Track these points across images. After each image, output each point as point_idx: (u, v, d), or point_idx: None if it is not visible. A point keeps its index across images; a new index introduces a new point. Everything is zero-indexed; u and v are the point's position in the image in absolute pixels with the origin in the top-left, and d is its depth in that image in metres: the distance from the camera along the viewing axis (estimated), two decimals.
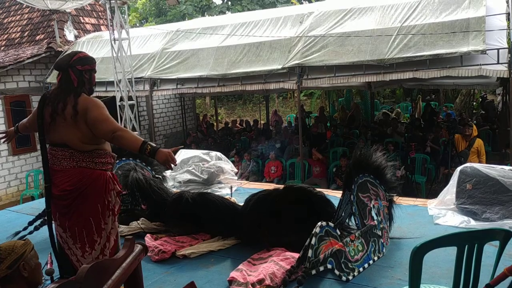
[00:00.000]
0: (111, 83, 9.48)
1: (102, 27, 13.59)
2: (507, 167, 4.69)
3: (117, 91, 9.24)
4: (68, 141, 2.89)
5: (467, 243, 1.90)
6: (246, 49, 8.47)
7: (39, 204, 5.65)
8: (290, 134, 11.47)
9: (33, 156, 10.78)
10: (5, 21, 13.95)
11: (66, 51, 11.01)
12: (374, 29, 7.22)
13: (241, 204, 4.42)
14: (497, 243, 1.97)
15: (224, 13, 24.24)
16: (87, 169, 2.89)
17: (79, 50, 10.92)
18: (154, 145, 2.91)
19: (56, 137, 2.93)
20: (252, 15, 9.38)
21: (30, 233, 4.40)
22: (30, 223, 4.54)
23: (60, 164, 2.90)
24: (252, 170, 9.82)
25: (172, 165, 2.92)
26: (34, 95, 10.76)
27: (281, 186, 4.50)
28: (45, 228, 4.60)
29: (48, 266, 3.09)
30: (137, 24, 24.81)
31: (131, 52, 9.32)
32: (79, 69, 2.94)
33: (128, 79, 9.21)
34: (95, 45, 10.88)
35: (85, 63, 2.98)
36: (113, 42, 9.05)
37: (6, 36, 13.43)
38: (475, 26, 6.43)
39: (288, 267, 3.29)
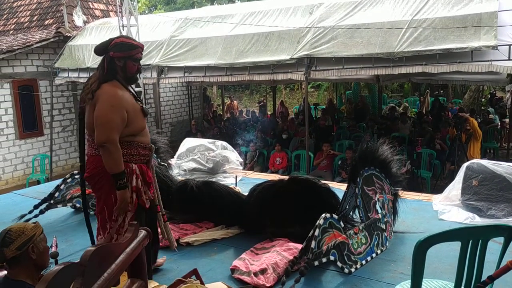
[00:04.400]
0: None
1: (111, 13, 13.56)
2: None
3: None
4: (89, 128, 2.89)
5: (471, 239, 1.89)
6: (254, 38, 8.42)
7: (45, 188, 5.70)
8: (296, 126, 11.45)
9: (40, 141, 10.84)
10: (15, 5, 13.95)
11: (74, 37, 11.03)
12: (384, 22, 7.14)
13: (246, 194, 4.43)
14: (501, 239, 1.96)
15: (233, 2, 24.15)
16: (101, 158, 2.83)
17: (84, 35, 10.92)
18: (125, 184, 2.79)
19: (85, 121, 2.95)
20: (261, 5, 9.30)
21: (36, 216, 4.44)
22: (36, 207, 4.58)
23: (87, 149, 2.97)
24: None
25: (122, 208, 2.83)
26: (42, 79, 10.79)
27: (286, 177, 4.50)
28: (50, 212, 4.67)
29: (53, 249, 3.12)
30: (146, 11, 24.74)
31: (139, 39, 9.30)
32: (110, 56, 2.85)
33: None
34: (104, 31, 10.86)
35: (118, 50, 2.85)
36: (121, 28, 9.04)
37: (15, 20, 13.44)
38: (487, 21, 6.34)
39: (291, 257, 3.30)
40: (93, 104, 2.78)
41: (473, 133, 8.73)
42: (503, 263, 1.84)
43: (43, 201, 4.66)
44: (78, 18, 11.97)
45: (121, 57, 2.85)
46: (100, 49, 2.89)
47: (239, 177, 5.97)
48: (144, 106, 3.00)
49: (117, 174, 2.75)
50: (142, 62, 9.83)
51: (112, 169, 2.75)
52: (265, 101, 18.48)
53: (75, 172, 5.11)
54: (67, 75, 10.56)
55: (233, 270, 3.33)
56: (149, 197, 3.04)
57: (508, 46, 6.11)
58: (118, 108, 2.76)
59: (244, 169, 7.44)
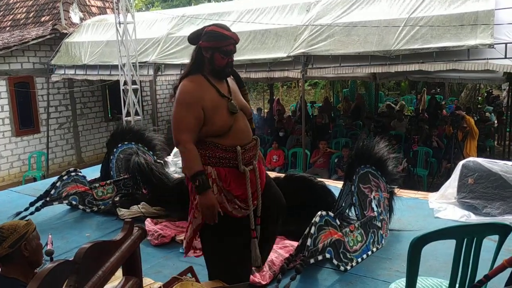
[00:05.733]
0: (115, 67, 9.45)
1: (107, 10, 13.53)
2: (510, 163, 4.68)
3: (121, 75, 9.21)
4: None
5: (466, 237, 1.89)
6: (251, 36, 8.41)
7: (41, 185, 5.68)
8: (293, 124, 11.45)
9: (36, 138, 10.81)
10: (11, 1, 13.90)
11: (70, 33, 10.99)
12: (381, 20, 7.14)
13: None
14: (496, 237, 1.97)
15: None
16: None
17: (81, 32, 10.88)
18: (203, 187, 2.46)
19: None
20: (258, 2, 9.29)
21: (31, 214, 4.42)
22: (32, 204, 4.56)
23: None
24: None
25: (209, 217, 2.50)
26: (38, 76, 10.76)
27: (282, 175, 4.50)
28: (46, 209, 4.66)
29: (48, 246, 3.10)
30: (143, 8, 24.65)
31: (136, 36, 9.28)
32: (199, 46, 2.59)
33: (132, 63, 9.17)
34: (100, 28, 10.82)
35: (207, 39, 2.55)
36: (118, 25, 9.00)
37: (11, 16, 13.39)
38: (484, 19, 6.35)
39: (287, 255, 3.30)
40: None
41: (470, 131, 8.78)
42: (498, 261, 1.84)
43: (39, 198, 4.64)
44: (75, 15, 11.94)
45: (208, 48, 2.55)
46: (193, 37, 2.64)
47: None
48: (231, 102, 2.58)
49: (191, 176, 2.47)
50: (139, 59, 9.83)
51: (186, 170, 2.52)
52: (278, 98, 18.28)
53: (71, 169, 5.10)
54: (63, 72, 10.52)
55: None
56: (239, 206, 2.59)
57: (504, 45, 6.12)
58: (193, 106, 2.48)
59: None
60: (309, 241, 3.16)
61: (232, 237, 2.60)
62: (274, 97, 16.88)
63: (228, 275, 2.63)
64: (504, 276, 2.04)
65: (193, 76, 2.57)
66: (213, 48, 2.53)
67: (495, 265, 1.86)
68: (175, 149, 6.65)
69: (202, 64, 2.58)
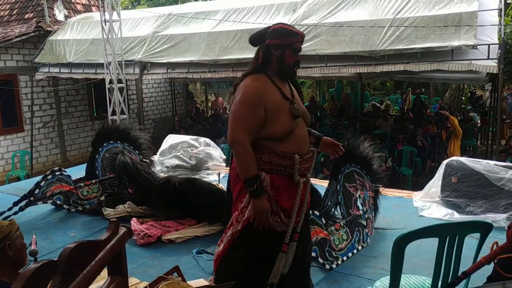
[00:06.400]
0: (100, 65, 9.36)
1: (93, 8, 13.39)
2: (492, 162, 4.76)
3: (107, 73, 9.14)
4: None
5: (448, 235, 1.92)
6: (238, 35, 8.41)
7: (25, 185, 5.61)
8: None
9: (20, 137, 10.66)
10: None
11: (55, 31, 10.85)
12: (367, 20, 7.20)
13: None
14: (478, 235, 2.00)
15: None
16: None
17: (65, 30, 10.76)
18: (258, 191, 2.31)
19: None
20: (245, 2, 9.29)
21: (15, 213, 4.37)
22: (15, 204, 4.51)
23: None
24: None
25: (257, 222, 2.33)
26: (22, 74, 10.60)
27: None
28: (30, 209, 4.60)
29: (32, 247, 3.08)
30: (129, 7, 24.45)
31: (121, 34, 9.21)
32: (266, 44, 2.45)
33: (118, 61, 9.10)
34: (85, 26, 10.71)
35: (276, 36, 2.43)
36: (103, 23, 8.92)
37: None
38: (467, 20, 6.45)
39: None
40: (234, 99, 2.46)
41: (454, 131, 8.91)
42: (479, 259, 1.88)
43: (23, 198, 4.59)
44: (59, 12, 11.79)
45: (278, 45, 2.42)
46: (256, 38, 2.53)
47: (222, 174, 5.97)
48: (294, 105, 2.45)
49: (246, 180, 2.33)
50: (125, 57, 9.76)
51: (241, 173, 2.36)
52: None
53: (56, 168, 5.05)
54: (48, 70, 10.39)
55: None
56: (281, 220, 2.42)
57: (487, 46, 6.23)
58: (255, 106, 2.34)
59: (227, 166, 7.43)
60: None
61: (263, 250, 2.45)
62: None
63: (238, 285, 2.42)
64: (484, 273, 2.09)
65: (257, 75, 2.45)
66: (284, 45, 2.43)
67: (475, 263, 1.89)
68: (162, 148, 6.63)
69: (268, 64, 2.46)
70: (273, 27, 2.47)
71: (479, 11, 6.54)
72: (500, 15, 6.76)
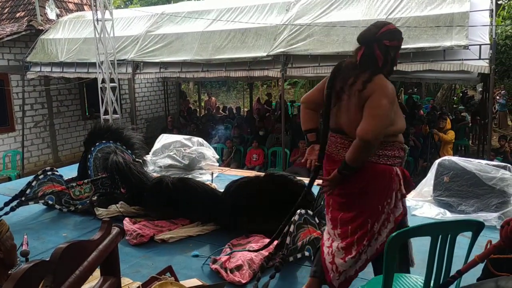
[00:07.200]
0: (93, 64, 9.31)
1: (85, 7, 13.31)
2: (484, 161, 4.79)
3: (99, 72, 9.09)
4: (346, 127, 2.50)
5: (441, 233, 1.93)
6: (231, 35, 8.40)
7: (16, 185, 5.57)
8: (273, 123, 11.48)
9: (11, 136, 10.57)
10: None
11: (46, 30, 10.78)
12: (359, 20, 7.22)
13: (222, 190, 4.43)
14: (469, 234, 2.02)
15: None
16: (368, 163, 2.45)
17: (57, 29, 10.68)
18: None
19: (333, 120, 2.57)
20: (238, 1, 9.29)
21: (6, 214, 4.34)
22: (6, 204, 4.48)
23: (338, 154, 2.54)
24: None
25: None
26: (13, 73, 10.52)
27: (262, 174, 4.52)
28: (21, 209, 4.57)
29: (24, 247, 3.06)
30: (122, 6, 24.35)
31: (114, 34, 9.17)
32: (386, 45, 2.42)
33: (110, 61, 9.06)
34: (78, 25, 10.65)
35: (394, 38, 2.44)
36: (96, 22, 8.88)
37: None
38: (459, 21, 6.49)
39: (266, 253, 3.32)
40: (361, 97, 2.39)
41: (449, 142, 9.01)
42: (471, 257, 1.89)
43: (14, 198, 4.55)
44: (51, 11, 11.70)
45: (395, 47, 2.46)
46: (368, 37, 2.47)
47: (215, 174, 5.96)
48: (401, 103, 2.65)
49: (354, 168, 2.41)
50: (118, 56, 9.73)
51: (356, 162, 2.39)
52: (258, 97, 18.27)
53: (48, 168, 5.01)
54: (39, 70, 10.32)
55: (215, 260, 3.32)
56: (402, 206, 2.57)
57: (479, 46, 6.27)
58: (393, 106, 2.41)
59: (220, 165, 7.43)
60: (288, 239, 3.18)
61: None
62: (266, 96, 16.85)
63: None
64: (475, 272, 2.10)
65: (380, 75, 2.42)
66: (398, 47, 2.49)
67: (468, 260, 1.90)
68: (154, 148, 6.61)
69: (386, 65, 2.46)
70: (387, 28, 2.45)
71: (470, 11, 6.58)
72: (491, 16, 6.82)
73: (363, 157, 2.39)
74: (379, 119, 2.33)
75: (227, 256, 3.37)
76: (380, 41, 2.41)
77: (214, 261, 3.31)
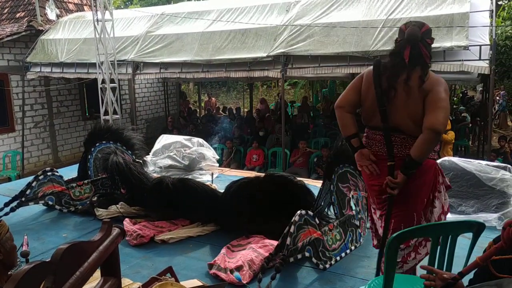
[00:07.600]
0: (93, 65, 9.31)
1: (85, 7, 13.31)
2: (484, 162, 4.79)
3: (99, 73, 9.09)
4: (404, 124, 2.54)
5: (441, 234, 1.94)
6: (231, 35, 8.41)
7: (16, 185, 5.57)
8: (273, 123, 11.48)
9: (11, 137, 10.56)
10: None
11: (46, 30, 10.77)
12: (360, 21, 7.23)
13: (222, 191, 4.43)
14: (470, 235, 2.01)
15: None
16: None
17: (57, 29, 10.69)
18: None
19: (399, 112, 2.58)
20: (238, 2, 9.29)
21: (6, 214, 4.33)
22: (6, 204, 4.47)
23: (399, 152, 2.59)
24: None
25: None
26: (13, 74, 10.51)
27: (262, 174, 4.51)
28: (21, 210, 4.57)
29: (24, 248, 3.05)
30: (122, 6, 24.37)
31: (114, 34, 9.16)
32: (429, 43, 2.57)
33: (110, 61, 9.06)
34: (78, 26, 10.65)
35: (431, 37, 2.60)
36: (96, 23, 8.87)
37: None
38: (459, 21, 6.49)
39: (267, 254, 3.32)
40: (421, 92, 2.48)
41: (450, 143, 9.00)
42: (472, 258, 1.89)
43: (14, 198, 4.55)
44: (51, 11, 11.70)
45: (430, 45, 2.61)
46: (415, 36, 2.55)
47: (215, 174, 5.96)
48: None
49: (420, 163, 2.47)
50: (118, 57, 9.73)
51: (424, 156, 2.46)
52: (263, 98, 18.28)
53: (48, 169, 5.00)
54: (39, 70, 10.32)
55: (211, 265, 3.32)
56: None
57: (479, 47, 6.27)
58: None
59: (220, 166, 7.43)
60: (288, 240, 3.18)
61: None
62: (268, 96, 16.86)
63: None
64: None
65: (433, 72, 2.59)
66: (431, 45, 2.62)
67: (469, 262, 1.90)
68: (155, 148, 6.61)
69: (430, 61, 2.61)
70: (427, 27, 2.60)
71: (470, 12, 6.58)
72: (491, 16, 6.82)
73: (430, 150, 2.50)
74: (445, 111, 2.45)
75: (221, 256, 3.37)
76: (424, 40, 2.54)
77: (211, 267, 3.31)
